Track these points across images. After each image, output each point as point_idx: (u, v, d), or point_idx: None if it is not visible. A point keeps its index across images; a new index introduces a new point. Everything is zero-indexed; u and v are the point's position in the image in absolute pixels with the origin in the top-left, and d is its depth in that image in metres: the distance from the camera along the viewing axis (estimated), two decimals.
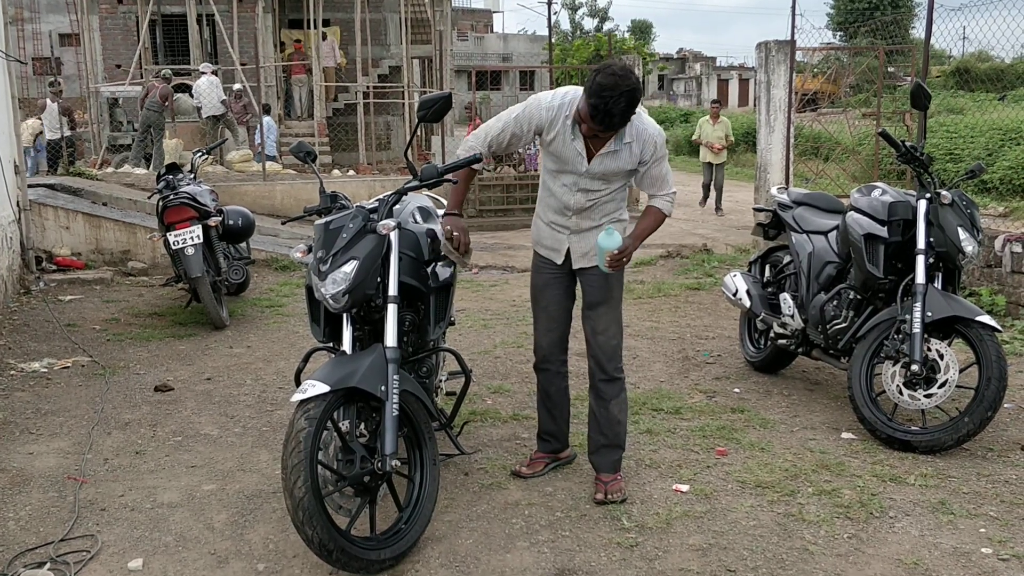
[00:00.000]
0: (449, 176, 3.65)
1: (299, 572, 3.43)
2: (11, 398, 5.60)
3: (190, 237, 7.28)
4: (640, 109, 3.67)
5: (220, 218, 7.61)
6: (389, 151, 23.33)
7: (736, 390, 5.68)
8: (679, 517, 3.86)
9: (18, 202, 9.26)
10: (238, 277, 8.12)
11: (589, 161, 3.79)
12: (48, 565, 3.49)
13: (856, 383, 4.74)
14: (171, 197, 7.44)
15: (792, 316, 5.51)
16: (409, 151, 3.92)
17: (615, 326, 3.96)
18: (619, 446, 4.08)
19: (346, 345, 3.58)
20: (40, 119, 16.98)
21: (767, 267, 6.13)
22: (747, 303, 5.89)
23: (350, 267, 3.46)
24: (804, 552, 3.56)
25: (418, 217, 3.95)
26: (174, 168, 8.36)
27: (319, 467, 3.31)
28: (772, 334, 5.77)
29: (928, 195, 4.79)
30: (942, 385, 4.51)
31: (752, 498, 4.04)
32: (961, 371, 4.58)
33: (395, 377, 3.43)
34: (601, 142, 3.74)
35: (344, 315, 3.60)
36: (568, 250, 3.97)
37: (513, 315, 7.99)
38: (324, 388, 3.28)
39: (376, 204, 3.91)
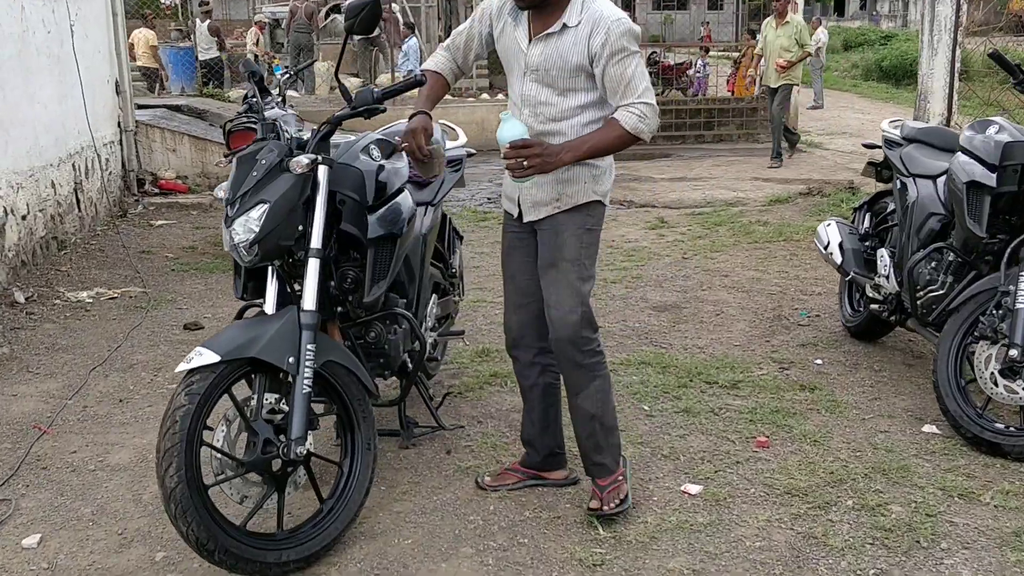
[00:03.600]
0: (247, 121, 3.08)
1: (198, 565, 2.95)
2: (35, 330, 5.39)
3: None
4: None
5: None
6: None
7: (818, 361, 4.79)
8: (671, 529, 3.14)
9: (119, 123, 9.19)
10: None
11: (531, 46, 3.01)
12: None
13: (943, 365, 3.81)
14: (239, 121, 7.05)
15: (887, 277, 4.56)
16: (339, 73, 3.28)
17: (571, 296, 3.05)
18: (597, 449, 3.23)
19: (268, 305, 3.01)
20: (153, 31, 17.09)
21: (871, 216, 5.14)
22: (838, 258, 4.95)
23: (258, 212, 2.88)
24: None
25: (375, 152, 3.30)
26: (263, 89, 7.98)
27: (218, 452, 2.80)
28: (866, 297, 4.84)
29: None
30: None
31: (773, 509, 3.26)
32: None
33: (309, 346, 2.85)
34: (543, 24, 2.97)
35: (269, 268, 3.04)
36: (518, 202, 3.20)
37: (607, 259, 7.21)
38: (213, 357, 2.74)
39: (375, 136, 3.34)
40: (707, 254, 7.24)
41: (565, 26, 2.92)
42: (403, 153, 3.46)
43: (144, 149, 9.73)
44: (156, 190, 9.49)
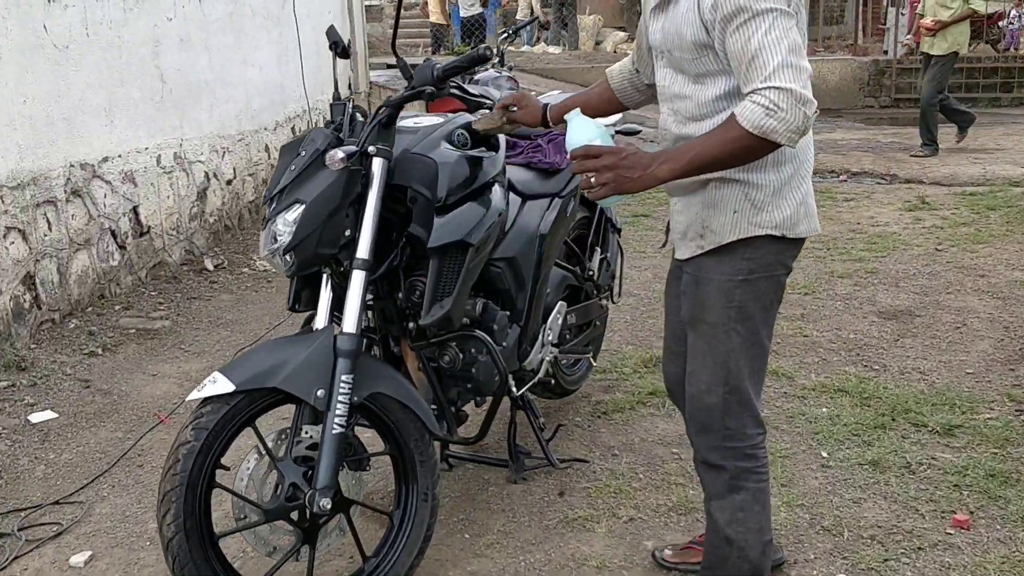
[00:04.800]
0: (456, 88, 2.46)
1: None
2: (209, 301, 5.31)
3: None
4: None
5: None
6: (842, 25, 20.67)
7: None
8: None
9: (349, 85, 9.14)
10: None
11: (651, 19, 2.24)
12: None
13: None
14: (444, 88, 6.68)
15: None
16: (396, 41, 2.71)
17: (710, 370, 2.23)
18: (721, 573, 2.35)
19: (319, 318, 2.52)
20: None
21: None
22: None
23: (292, 214, 2.40)
24: None
25: (461, 139, 2.72)
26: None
27: (236, 496, 2.39)
28: None
29: None
30: None
31: None
32: None
33: (345, 377, 2.35)
34: None
35: (323, 275, 2.56)
36: (668, 228, 2.45)
37: (843, 246, 6.22)
38: (227, 386, 2.30)
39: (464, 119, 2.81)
40: (967, 246, 6.05)
41: None
42: (500, 137, 2.87)
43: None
44: None
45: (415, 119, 2.77)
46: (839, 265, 5.71)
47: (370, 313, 2.80)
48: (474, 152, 2.70)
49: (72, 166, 4.86)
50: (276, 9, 7.37)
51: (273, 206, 2.44)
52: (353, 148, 2.37)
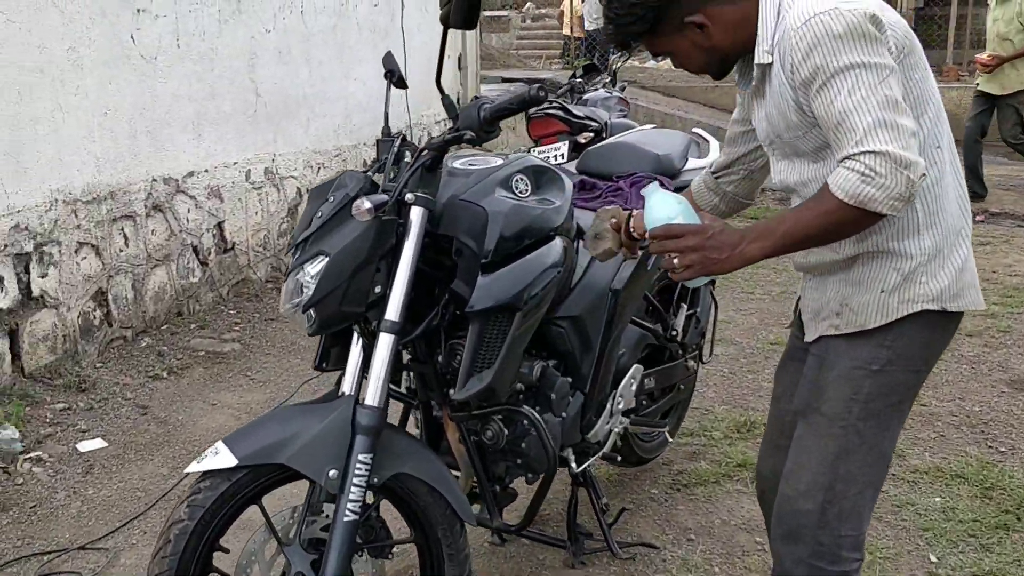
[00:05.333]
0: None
1: None
2: (287, 324, 5.11)
3: (553, 157, 6.17)
4: None
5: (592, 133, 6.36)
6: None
7: None
8: None
9: (458, 99, 8.93)
10: None
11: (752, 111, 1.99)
12: None
13: None
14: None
15: None
16: (440, 75, 2.39)
17: (814, 472, 1.89)
18: None
19: (346, 382, 2.22)
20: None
21: None
22: None
23: (315, 268, 2.11)
24: None
25: (522, 185, 2.38)
26: (592, 68, 7.33)
27: None
28: None
29: None
30: None
31: None
32: None
33: (363, 456, 2.05)
34: (748, 75, 1.90)
35: (354, 332, 2.26)
36: (798, 304, 2.13)
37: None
38: (229, 460, 2.03)
39: (530, 161, 2.47)
40: None
41: (760, 67, 1.84)
42: (564, 180, 2.52)
43: None
44: None
45: (471, 159, 2.45)
46: (967, 320, 5.12)
47: (410, 374, 2.50)
48: (533, 200, 2.36)
49: (154, 180, 4.74)
50: (384, 22, 7.20)
51: (297, 255, 2.16)
52: (383, 197, 2.06)
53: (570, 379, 2.61)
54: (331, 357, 2.34)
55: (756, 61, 1.82)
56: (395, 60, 2.48)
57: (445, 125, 8.44)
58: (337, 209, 2.12)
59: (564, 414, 2.58)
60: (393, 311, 2.10)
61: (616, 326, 2.73)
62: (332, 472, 2.04)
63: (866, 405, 1.85)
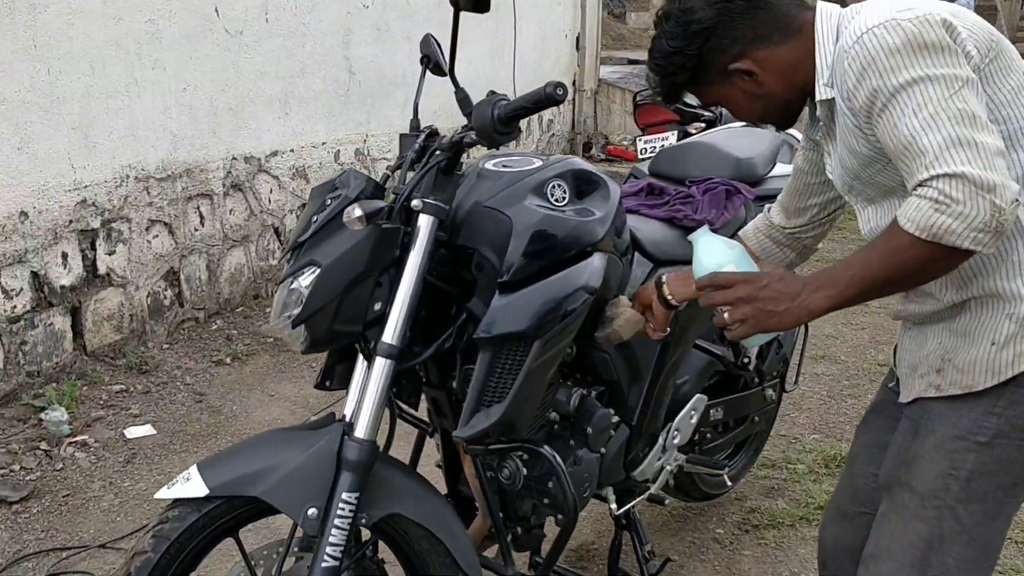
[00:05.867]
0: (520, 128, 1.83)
1: None
2: None
3: (660, 144, 5.82)
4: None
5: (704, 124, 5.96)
6: None
7: None
8: None
9: (574, 81, 8.61)
10: None
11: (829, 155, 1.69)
12: None
13: None
14: (647, 92, 6.01)
15: None
16: (454, 64, 2.10)
17: (900, 560, 1.57)
18: None
19: (348, 405, 1.98)
20: None
21: None
22: None
23: (306, 279, 1.86)
24: None
25: (559, 191, 2.07)
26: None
27: None
28: None
29: None
30: None
31: None
32: None
33: (347, 495, 1.80)
34: (814, 116, 1.67)
35: (359, 349, 2.01)
36: (895, 353, 1.78)
37: None
38: (199, 489, 1.82)
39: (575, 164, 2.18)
40: None
41: (824, 103, 1.57)
42: (610, 186, 2.19)
43: (603, 110, 9.08)
44: (603, 156, 8.81)
45: (507, 159, 2.16)
46: None
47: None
48: (571, 209, 2.06)
49: (235, 159, 4.62)
50: None
51: (291, 262, 1.93)
52: (379, 204, 1.79)
53: (613, 410, 2.31)
54: (335, 375, 2.09)
55: (817, 98, 1.55)
56: (433, 44, 2.19)
57: (559, 109, 8.14)
58: (334, 213, 1.87)
59: (603, 449, 2.28)
60: (391, 333, 1.85)
61: (674, 351, 2.40)
62: (311, 511, 1.80)
63: (968, 484, 1.52)
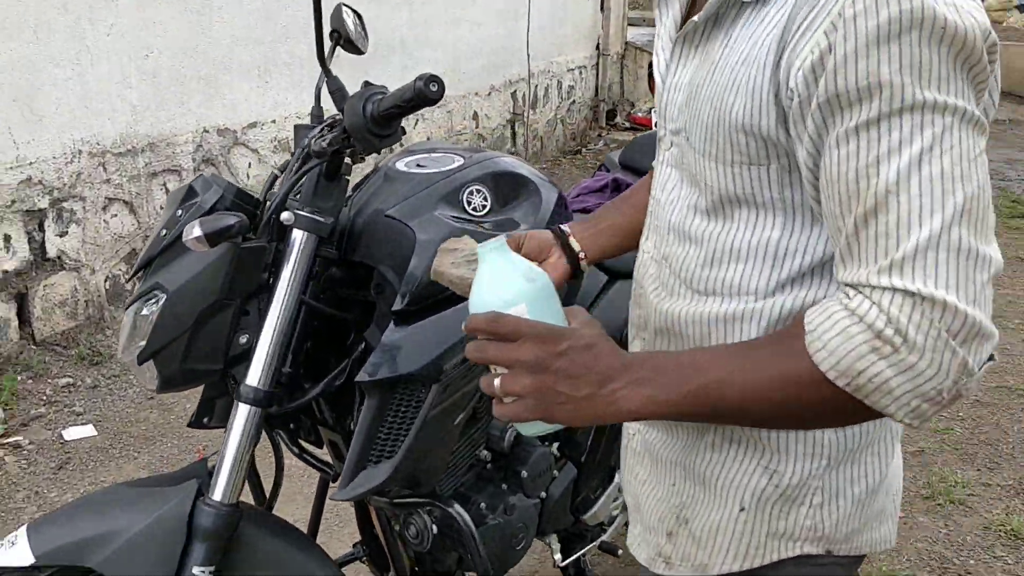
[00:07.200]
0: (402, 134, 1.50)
1: None
2: None
3: None
4: None
5: None
6: None
7: None
8: None
9: (598, 45, 8.17)
10: None
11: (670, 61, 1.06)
12: None
13: None
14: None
15: None
16: (322, 50, 1.74)
17: None
18: None
19: (228, 450, 1.65)
20: None
21: None
22: None
23: (150, 308, 1.54)
24: None
25: (476, 199, 1.71)
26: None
27: None
28: None
29: None
30: None
31: None
32: None
33: (199, 569, 1.49)
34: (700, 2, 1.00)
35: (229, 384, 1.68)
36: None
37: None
38: (25, 556, 1.51)
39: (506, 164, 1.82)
40: None
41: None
42: (544, 191, 1.83)
43: (630, 76, 8.63)
44: (628, 124, 8.38)
45: (423, 157, 1.80)
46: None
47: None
48: (490, 221, 1.70)
49: (206, 131, 4.30)
50: None
51: (141, 284, 1.60)
52: (228, 221, 1.43)
53: (558, 445, 1.98)
54: (215, 411, 1.77)
55: None
56: (345, 16, 1.84)
57: (580, 73, 7.74)
58: (180, 230, 1.53)
59: (543, 494, 1.95)
60: (254, 375, 1.51)
61: None
62: None
63: None
